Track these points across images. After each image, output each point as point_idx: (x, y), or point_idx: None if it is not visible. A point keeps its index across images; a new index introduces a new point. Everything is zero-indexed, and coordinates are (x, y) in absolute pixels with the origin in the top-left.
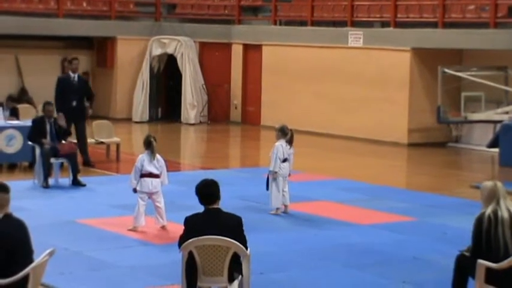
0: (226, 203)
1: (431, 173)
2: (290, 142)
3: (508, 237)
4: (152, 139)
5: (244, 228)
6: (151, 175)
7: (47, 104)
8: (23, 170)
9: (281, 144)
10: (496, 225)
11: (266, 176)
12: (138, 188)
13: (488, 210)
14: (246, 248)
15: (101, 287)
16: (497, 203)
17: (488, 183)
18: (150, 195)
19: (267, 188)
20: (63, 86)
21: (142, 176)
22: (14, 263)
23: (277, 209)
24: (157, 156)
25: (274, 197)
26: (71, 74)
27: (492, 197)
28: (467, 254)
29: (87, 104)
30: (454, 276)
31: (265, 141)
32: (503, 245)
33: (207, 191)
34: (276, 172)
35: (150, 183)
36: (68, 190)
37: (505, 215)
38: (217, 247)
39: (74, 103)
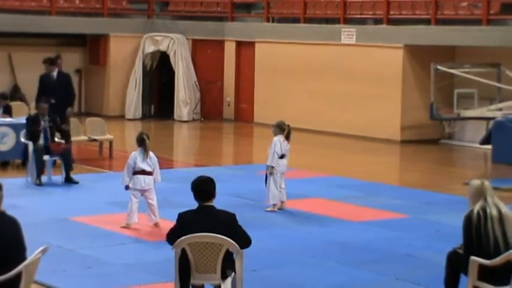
0: (220, 200)
1: (424, 170)
2: (287, 138)
3: (498, 233)
4: (145, 136)
5: (240, 223)
6: (144, 172)
7: (41, 102)
8: (16, 168)
9: (279, 140)
10: (485, 222)
11: (265, 173)
12: (130, 185)
13: (477, 207)
14: (249, 241)
15: (94, 284)
16: (485, 200)
17: (476, 182)
18: (142, 192)
19: (266, 184)
20: (43, 83)
21: (135, 173)
22: (7, 260)
23: (274, 205)
24: (150, 153)
25: (272, 193)
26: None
27: (479, 194)
28: (460, 251)
29: (68, 110)
30: (446, 273)
31: (258, 138)
32: (493, 241)
33: (204, 187)
34: (273, 167)
35: (142, 181)
36: (60, 188)
37: (494, 211)
38: (210, 244)
39: (53, 100)
